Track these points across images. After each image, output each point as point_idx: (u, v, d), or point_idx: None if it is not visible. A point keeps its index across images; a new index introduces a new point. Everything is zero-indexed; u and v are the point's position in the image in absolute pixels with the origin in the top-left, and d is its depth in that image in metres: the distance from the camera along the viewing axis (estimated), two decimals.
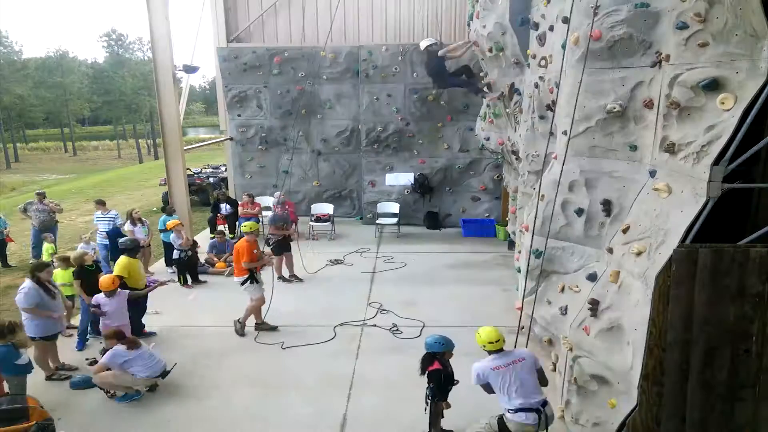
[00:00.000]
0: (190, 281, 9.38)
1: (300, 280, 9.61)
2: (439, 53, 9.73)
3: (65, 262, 7.44)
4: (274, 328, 7.54)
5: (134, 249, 7.43)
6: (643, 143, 4.72)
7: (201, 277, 9.57)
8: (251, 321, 7.56)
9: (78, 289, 7.04)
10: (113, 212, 10.22)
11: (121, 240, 7.62)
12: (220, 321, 7.73)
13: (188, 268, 9.37)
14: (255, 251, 7.37)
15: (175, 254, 9.30)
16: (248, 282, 7.33)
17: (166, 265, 10.08)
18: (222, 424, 5.44)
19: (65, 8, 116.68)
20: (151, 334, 7.41)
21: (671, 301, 3.89)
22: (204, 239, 11.61)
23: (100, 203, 10.28)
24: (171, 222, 9.38)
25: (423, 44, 10.07)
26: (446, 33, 12.43)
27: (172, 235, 9.20)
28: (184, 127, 12.31)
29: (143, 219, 10.05)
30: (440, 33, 12.25)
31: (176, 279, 9.36)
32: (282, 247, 9.44)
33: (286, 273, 9.63)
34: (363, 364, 6.62)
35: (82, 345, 7.11)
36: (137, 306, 7.26)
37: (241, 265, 7.30)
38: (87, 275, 7.04)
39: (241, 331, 7.41)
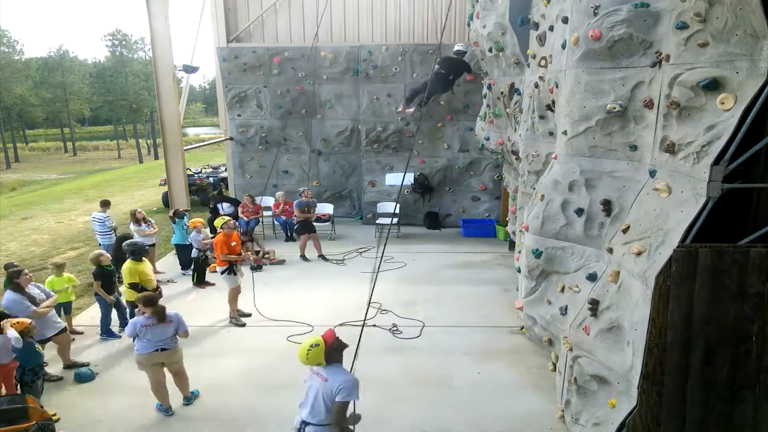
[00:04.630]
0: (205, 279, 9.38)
1: (326, 260, 10.44)
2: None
3: (59, 268, 7.20)
4: (248, 315, 7.94)
5: (138, 252, 7.18)
6: (643, 143, 4.72)
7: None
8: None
9: (99, 290, 7.11)
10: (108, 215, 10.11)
11: (125, 242, 7.41)
12: (220, 321, 7.81)
13: (204, 268, 9.36)
14: (233, 243, 7.77)
15: (194, 253, 9.26)
16: (227, 272, 7.69)
17: (182, 269, 9.91)
18: (222, 424, 5.44)
19: (67, 7, 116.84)
20: None
21: (671, 301, 3.89)
22: None
23: (104, 203, 10.10)
24: (193, 221, 9.32)
25: (456, 48, 10.46)
26: (446, 33, 12.42)
27: (193, 234, 9.14)
28: (184, 127, 12.32)
29: (147, 219, 9.82)
30: (440, 33, 12.26)
31: (191, 278, 9.34)
32: (305, 228, 10.51)
33: (308, 254, 10.52)
34: (363, 364, 6.60)
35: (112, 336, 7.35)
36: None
37: (220, 257, 7.72)
38: (106, 275, 7.13)
39: (238, 322, 7.72)
